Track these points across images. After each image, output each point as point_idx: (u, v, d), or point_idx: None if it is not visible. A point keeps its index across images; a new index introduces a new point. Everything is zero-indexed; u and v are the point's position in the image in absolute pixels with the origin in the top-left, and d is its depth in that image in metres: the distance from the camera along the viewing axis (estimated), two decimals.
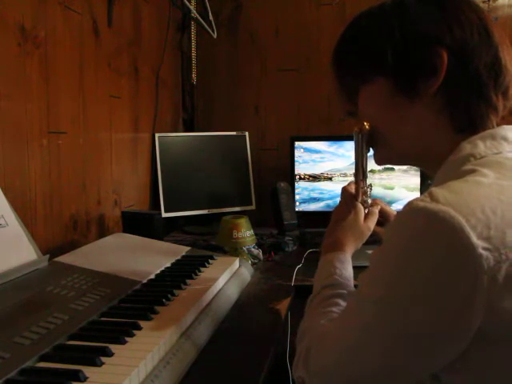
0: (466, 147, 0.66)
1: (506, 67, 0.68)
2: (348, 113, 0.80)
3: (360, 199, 0.94)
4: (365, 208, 0.95)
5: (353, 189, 0.95)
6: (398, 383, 0.61)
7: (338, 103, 0.82)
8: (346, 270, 0.87)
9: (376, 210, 0.97)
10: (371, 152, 0.82)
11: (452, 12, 0.68)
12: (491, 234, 0.52)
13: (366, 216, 0.95)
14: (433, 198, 0.55)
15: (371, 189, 0.96)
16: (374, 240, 0.96)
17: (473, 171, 0.60)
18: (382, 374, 0.59)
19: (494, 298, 0.52)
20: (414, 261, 0.55)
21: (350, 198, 0.95)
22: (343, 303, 0.78)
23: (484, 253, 0.51)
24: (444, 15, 0.68)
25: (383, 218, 1.01)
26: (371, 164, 0.85)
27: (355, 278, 0.90)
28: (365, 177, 0.90)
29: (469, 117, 0.68)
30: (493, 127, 0.69)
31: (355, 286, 0.76)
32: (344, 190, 0.97)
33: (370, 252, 0.66)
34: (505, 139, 0.65)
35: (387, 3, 0.73)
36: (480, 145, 0.65)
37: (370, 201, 0.97)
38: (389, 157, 0.78)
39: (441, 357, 0.56)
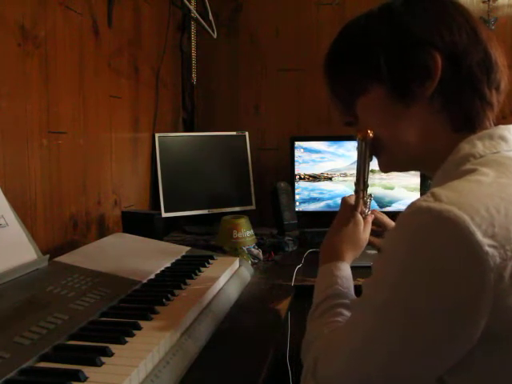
0: (465, 147, 0.66)
1: (496, 63, 0.69)
2: (347, 123, 0.80)
3: (359, 209, 0.94)
4: (363, 218, 0.95)
5: (353, 200, 0.95)
6: None
7: (336, 114, 0.82)
8: (347, 279, 0.87)
9: (370, 220, 0.97)
10: (374, 159, 0.82)
11: (438, 16, 0.69)
12: (496, 231, 0.52)
13: (363, 226, 0.95)
14: (436, 198, 0.55)
15: (371, 199, 0.96)
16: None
17: (473, 171, 0.61)
18: (389, 378, 0.59)
19: (500, 296, 0.52)
20: (419, 261, 0.55)
21: (349, 208, 0.95)
22: (347, 313, 0.78)
23: (490, 250, 0.51)
24: (431, 19, 0.69)
25: (381, 227, 1.01)
26: (371, 164, 0.85)
27: (355, 278, 0.90)
28: (365, 187, 0.91)
29: (466, 115, 0.69)
30: (490, 124, 0.70)
31: (357, 287, 0.76)
32: (344, 200, 0.97)
33: (369, 252, 0.67)
34: (502, 138, 0.66)
35: (374, 10, 0.74)
36: (478, 144, 0.65)
37: (368, 211, 0.97)
38: (392, 163, 0.78)
39: (447, 358, 0.56)
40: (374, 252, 1.06)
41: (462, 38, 0.67)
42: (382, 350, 0.58)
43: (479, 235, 0.51)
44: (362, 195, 0.92)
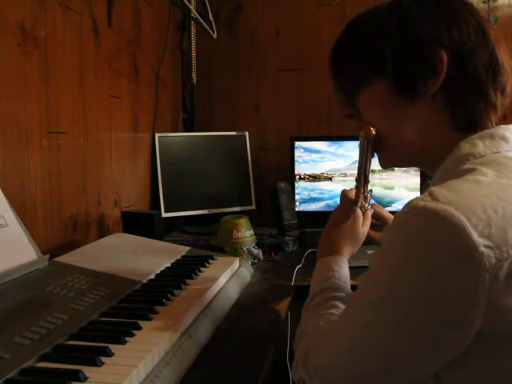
0: (465, 146, 0.66)
1: (502, 66, 0.69)
2: (348, 116, 0.80)
3: (359, 204, 0.94)
4: (363, 213, 0.95)
5: (353, 194, 0.95)
6: (398, 382, 0.61)
7: (337, 106, 0.82)
8: (344, 273, 0.87)
9: (369, 214, 0.97)
10: (375, 156, 0.82)
11: (449, 13, 0.69)
12: (492, 232, 0.52)
13: (362, 221, 0.95)
14: (433, 197, 0.55)
15: (371, 194, 0.96)
16: (368, 241, 0.97)
17: (472, 170, 0.61)
18: (381, 373, 0.59)
19: (495, 296, 0.52)
20: (414, 260, 0.55)
21: (349, 203, 0.95)
22: (342, 306, 0.78)
23: (485, 251, 0.51)
24: (441, 16, 0.68)
25: (380, 221, 1.01)
26: (372, 164, 0.85)
27: (354, 278, 0.90)
28: (366, 182, 0.90)
29: (469, 115, 0.69)
30: (492, 126, 0.70)
31: (354, 286, 0.76)
32: (344, 194, 0.97)
33: (369, 252, 0.67)
34: (503, 138, 0.66)
35: (384, 5, 0.73)
36: (479, 144, 0.65)
37: (368, 206, 0.97)
38: (393, 159, 0.78)
39: (441, 356, 0.56)
40: (373, 251, 1.06)
41: (470, 37, 0.67)
42: (374, 347, 0.58)
43: (475, 236, 0.51)
44: (362, 190, 0.92)
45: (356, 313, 0.63)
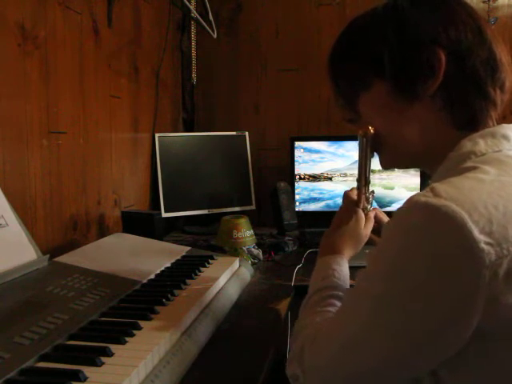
0: (467, 145, 0.66)
1: (501, 62, 0.69)
2: (348, 120, 0.80)
3: (361, 205, 0.94)
4: (365, 214, 0.95)
5: (355, 195, 0.95)
6: (395, 380, 0.60)
7: (337, 108, 0.82)
8: (344, 272, 0.87)
9: (372, 215, 0.97)
10: (375, 156, 0.82)
11: (445, 13, 0.69)
12: (493, 228, 0.52)
13: (365, 222, 0.95)
14: (435, 193, 0.55)
15: (373, 195, 0.96)
16: (368, 243, 0.97)
17: (474, 168, 0.61)
18: (378, 370, 0.59)
19: (494, 294, 0.52)
20: (414, 255, 0.55)
21: (351, 204, 0.95)
22: (340, 304, 0.78)
23: (486, 247, 0.51)
24: (437, 16, 0.69)
25: (379, 225, 1.01)
26: (372, 164, 0.85)
27: (353, 278, 0.90)
28: (367, 183, 0.90)
29: (469, 113, 0.69)
30: (493, 123, 0.70)
31: (352, 286, 0.76)
32: (346, 195, 0.97)
33: (368, 251, 0.66)
34: (504, 137, 0.66)
35: (379, 7, 0.74)
36: (480, 142, 0.65)
37: (370, 207, 0.97)
38: (394, 160, 0.78)
39: (439, 353, 0.56)
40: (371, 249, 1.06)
41: (467, 36, 0.67)
42: (371, 344, 0.58)
43: (476, 232, 0.51)
44: (363, 191, 0.92)
45: (353, 309, 0.62)
